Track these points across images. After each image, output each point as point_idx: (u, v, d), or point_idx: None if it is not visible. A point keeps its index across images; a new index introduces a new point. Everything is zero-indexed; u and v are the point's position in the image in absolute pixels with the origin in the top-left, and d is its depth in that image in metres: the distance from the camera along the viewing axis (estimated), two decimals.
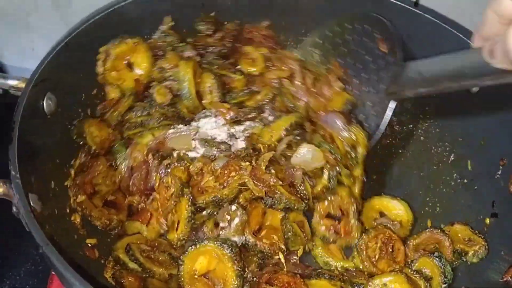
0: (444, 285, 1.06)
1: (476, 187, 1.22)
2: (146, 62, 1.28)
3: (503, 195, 1.14)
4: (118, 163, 1.22)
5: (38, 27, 1.45)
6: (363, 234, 1.16)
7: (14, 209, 0.96)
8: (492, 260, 1.10)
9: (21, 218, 0.95)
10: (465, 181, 1.25)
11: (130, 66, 1.28)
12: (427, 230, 1.16)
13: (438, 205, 1.28)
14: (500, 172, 1.16)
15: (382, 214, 1.24)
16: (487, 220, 1.15)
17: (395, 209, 1.23)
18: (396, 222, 1.21)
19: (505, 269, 1.01)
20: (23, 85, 1.09)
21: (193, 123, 1.27)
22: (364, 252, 1.13)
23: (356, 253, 1.15)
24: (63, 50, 1.15)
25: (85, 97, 1.24)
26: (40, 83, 1.09)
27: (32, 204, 0.93)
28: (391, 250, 1.14)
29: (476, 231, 1.15)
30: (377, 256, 1.14)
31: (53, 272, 1.24)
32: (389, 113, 1.08)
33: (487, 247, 1.11)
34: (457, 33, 1.19)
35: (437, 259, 1.08)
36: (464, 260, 1.12)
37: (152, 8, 1.28)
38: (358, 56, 1.19)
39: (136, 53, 1.27)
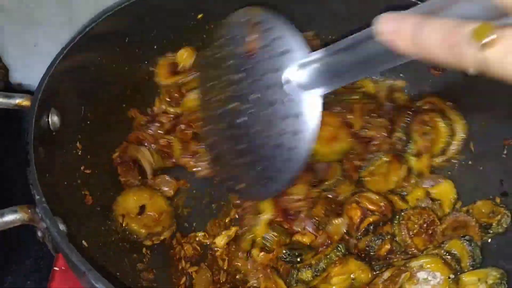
0: (472, 268, 1.09)
1: (481, 168, 1.26)
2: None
3: (511, 173, 1.18)
4: None
5: (41, 23, 1.41)
6: (408, 208, 1.20)
7: (39, 234, 0.91)
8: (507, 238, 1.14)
9: (47, 242, 0.91)
10: (470, 162, 1.29)
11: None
12: (450, 215, 1.18)
13: None
14: (505, 152, 1.20)
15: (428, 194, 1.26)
16: (498, 200, 1.19)
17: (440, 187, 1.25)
18: (437, 201, 1.23)
19: None
20: (27, 102, 1.04)
21: None
22: (405, 222, 1.16)
23: (396, 222, 1.18)
24: (62, 62, 1.09)
25: (84, 110, 1.20)
26: (44, 99, 1.04)
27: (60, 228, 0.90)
28: (430, 232, 1.17)
29: (498, 201, 1.18)
30: (415, 231, 1.16)
31: (55, 268, 1.23)
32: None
33: (509, 214, 1.13)
34: None
35: (467, 242, 1.10)
36: (491, 232, 1.14)
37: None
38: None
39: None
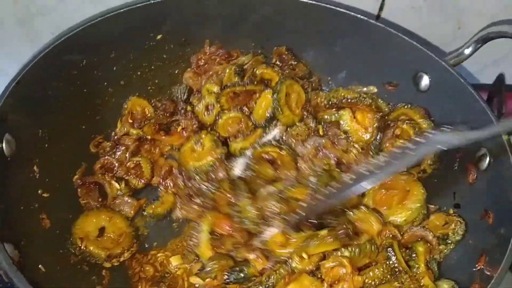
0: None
1: (436, 180, 1.29)
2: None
3: (462, 186, 1.21)
4: None
5: (2, 44, 1.43)
6: None
7: None
8: (462, 249, 1.16)
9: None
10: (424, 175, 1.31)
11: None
12: (408, 231, 1.19)
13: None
14: (457, 165, 1.23)
15: None
16: (451, 211, 1.22)
17: None
18: None
19: (476, 258, 1.07)
20: None
21: None
22: None
23: None
24: (16, 88, 1.10)
25: (42, 133, 1.20)
26: None
27: (10, 255, 0.90)
28: None
29: (451, 212, 1.21)
30: None
31: None
32: None
33: (462, 221, 1.16)
34: (419, 46, 1.25)
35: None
36: (450, 242, 1.16)
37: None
38: None
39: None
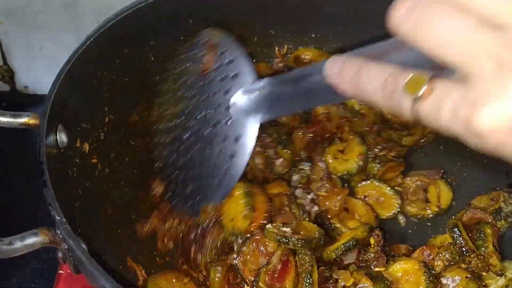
0: None
1: (485, 160, 1.26)
2: None
3: None
4: None
5: (46, 27, 1.42)
6: None
7: (60, 255, 0.90)
8: None
9: (69, 264, 0.90)
10: (474, 156, 1.29)
11: None
12: (467, 211, 1.18)
13: (453, 183, 1.30)
14: None
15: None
16: (505, 191, 1.21)
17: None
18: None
19: None
20: (34, 121, 1.01)
21: None
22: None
23: None
24: (67, 78, 1.07)
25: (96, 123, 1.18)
26: (51, 117, 1.01)
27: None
28: None
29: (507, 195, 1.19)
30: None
31: (60, 271, 1.23)
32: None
33: (506, 190, 1.18)
34: None
35: None
36: (505, 216, 1.16)
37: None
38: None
39: None
